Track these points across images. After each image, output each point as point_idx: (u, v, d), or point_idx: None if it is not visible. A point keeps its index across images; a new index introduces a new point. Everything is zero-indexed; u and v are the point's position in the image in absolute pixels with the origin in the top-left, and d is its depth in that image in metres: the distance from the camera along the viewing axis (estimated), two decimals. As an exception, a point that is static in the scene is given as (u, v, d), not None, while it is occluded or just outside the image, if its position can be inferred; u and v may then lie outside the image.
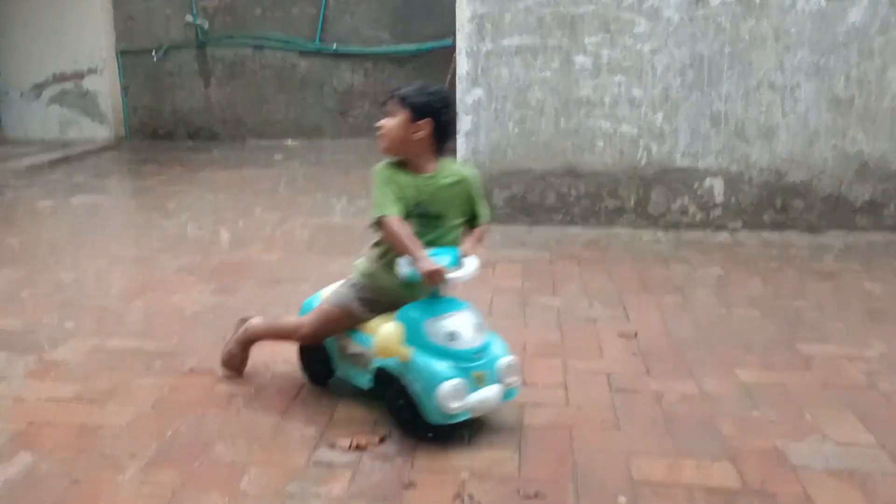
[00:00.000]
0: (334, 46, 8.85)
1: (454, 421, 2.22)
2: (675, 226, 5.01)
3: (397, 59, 8.84)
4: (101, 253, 4.41)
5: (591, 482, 2.09)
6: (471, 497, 2.01)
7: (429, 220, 2.36)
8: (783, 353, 2.99)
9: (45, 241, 4.67)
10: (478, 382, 2.24)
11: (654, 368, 2.83)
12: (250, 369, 2.79)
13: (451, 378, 2.19)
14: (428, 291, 2.31)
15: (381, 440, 2.29)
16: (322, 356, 2.59)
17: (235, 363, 2.73)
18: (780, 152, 4.87)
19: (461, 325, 2.29)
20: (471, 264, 2.33)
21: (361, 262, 2.50)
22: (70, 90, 9.01)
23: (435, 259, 2.24)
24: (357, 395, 2.56)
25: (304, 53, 8.95)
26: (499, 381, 2.30)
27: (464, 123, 5.02)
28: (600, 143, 4.96)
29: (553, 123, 4.95)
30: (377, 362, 2.35)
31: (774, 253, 4.48)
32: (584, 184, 5.01)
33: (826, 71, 4.74)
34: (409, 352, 2.27)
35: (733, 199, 4.95)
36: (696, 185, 4.95)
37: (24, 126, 9.06)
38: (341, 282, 2.55)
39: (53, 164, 7.55)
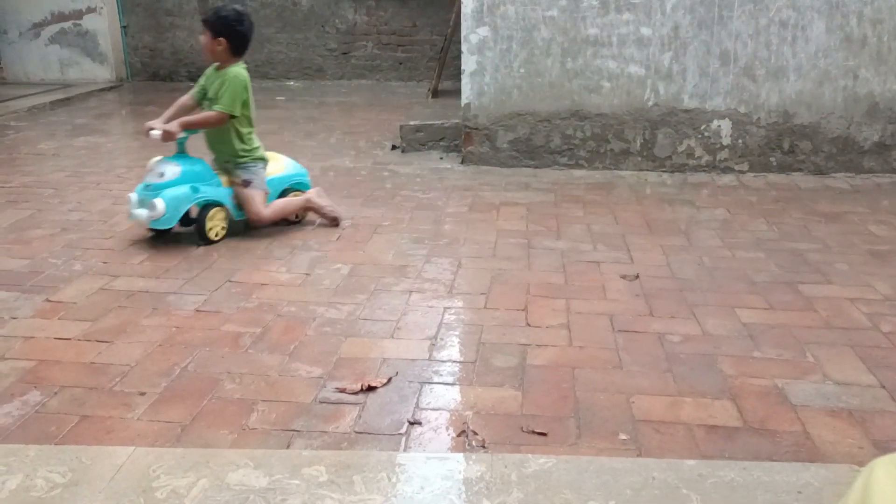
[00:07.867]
0: (336, -17, 8.66)
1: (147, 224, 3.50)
2: (681, 168, 4.97)
3: (400, -3, 8.67)
4: (105, 194, 4.40)
5: (593, 420, 2.12)
6: (475, 434, 2.05)
7: (211, 101, 3.70)
8: (786, 294, 3.00)
9: (49, 182, 4.66)
10: (141, 204, 3.47)
11: (656, 309, 2.85)
12: (256, 310, 2.82)
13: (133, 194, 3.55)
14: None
15: (389, 381, 2.32)
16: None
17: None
18: (789, 93, 4.80)
19: (155, 167, 3.59)
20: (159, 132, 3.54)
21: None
22: (69, 29, 8.86)
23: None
24: (361, 334, 2.61)
25: (305, -10, 8.77)
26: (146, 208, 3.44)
27: (469, 64, 4.93)
28: (607, 84, 4.89)
29: (559, 64, 4.87)
30: None
31: (780, 195, 4.46)
32: (590, 126, 4.96)
33: (839, 9, 4.64)
34: None
35: (740, 142, 4.90)
36: (703, 127, 4.90)
37: (25, 66, 8.95)
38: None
39: (55, 105, 7.49)
